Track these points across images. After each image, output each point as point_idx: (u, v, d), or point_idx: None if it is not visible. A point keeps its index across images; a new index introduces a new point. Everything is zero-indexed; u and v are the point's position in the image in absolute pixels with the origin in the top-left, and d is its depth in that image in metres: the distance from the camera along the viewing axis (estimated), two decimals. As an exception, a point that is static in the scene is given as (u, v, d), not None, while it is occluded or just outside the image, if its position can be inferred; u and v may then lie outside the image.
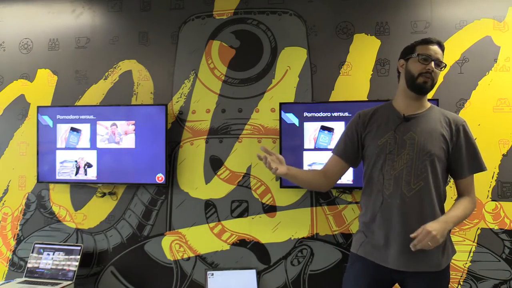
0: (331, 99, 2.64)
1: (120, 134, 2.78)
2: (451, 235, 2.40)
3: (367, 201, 1.77)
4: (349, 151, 1.82)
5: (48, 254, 2.79)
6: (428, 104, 1.78)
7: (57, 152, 2.85)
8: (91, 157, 2.80)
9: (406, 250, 1.63)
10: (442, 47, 1.73)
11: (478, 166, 1.73)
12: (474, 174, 1.75)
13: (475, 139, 1.78)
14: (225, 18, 2.80)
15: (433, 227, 1.55)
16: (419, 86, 1.69)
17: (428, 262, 1.66)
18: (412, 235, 1.56)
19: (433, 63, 1.68)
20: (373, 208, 1.73)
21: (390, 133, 1.71)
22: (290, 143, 2.56)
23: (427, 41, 1.72)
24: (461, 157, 1.71)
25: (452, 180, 1.81)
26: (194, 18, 2.84)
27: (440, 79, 2.54)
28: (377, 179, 1.72)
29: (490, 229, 2.48)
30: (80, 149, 2.82)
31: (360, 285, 1.74)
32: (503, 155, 2.48)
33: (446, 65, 1.75)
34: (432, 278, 1.68)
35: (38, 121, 2.88)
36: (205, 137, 2.79)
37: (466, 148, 1.72)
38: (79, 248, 2.76)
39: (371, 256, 1.72)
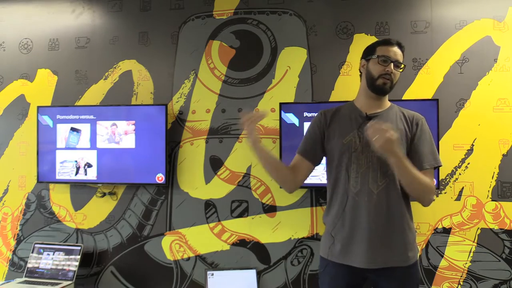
0: (331, 99, 2.64)
1: (120, 134, 2.78)
2: (451, 236, 2.41)
3: (333, 200, 1.77)
4: (311, 150, 1.83)
5: (48, 254, 2.79)
6: (388, 103, 1.81)
7: (57, 152, 2.85)
8: (91, 157, 2.80)
9: (373, 247, 1.66)
10: (402, 48, 1.76)
11: (435, 161, 1.75)
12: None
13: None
14: (225, 18, 2.80)
15: (396, 140, 1.56)
16: (378, 87, 1.72)
17: (394, 257, 1.67)
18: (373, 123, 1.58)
19: (392, 64, 1.70)
20: (339, 207, 1.73)
21: (354, 132, 1.74)
22: (290, 143, 2.56)
23: (387, 42, 1.74)
24: (419, 151, 1.72)
25: None
26: (194, 18, 2.84)
27: (440, 79, 2.54)
28: (343, 178, 1.73)
29: (490, 229, 2.48)
30: (80, 149, 2.82)
31: None
32: (503, 155, 2.48)
33: (405, 66, 1.77)
34: (402, 275, 1.69)
35: (38, 121, 2.88)
36: (205, 137, 2.79)
37: (424, 143, 1.73)
38: (79, 248, 2.76)
39: (340, 259, 1.72)
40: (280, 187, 2.62)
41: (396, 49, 1.73)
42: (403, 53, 1.76)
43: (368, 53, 1.77)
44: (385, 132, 1.54)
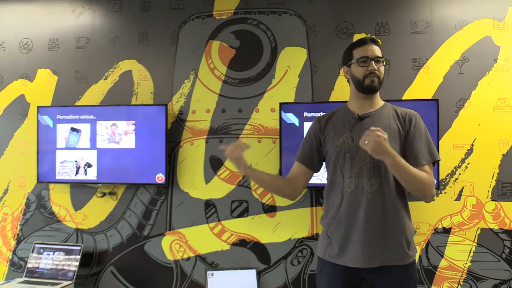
0: (331, 99, 2.64)
1: (120, 134, 2.78)
2: (451, 235, 2.42)
3: (329, 201, 1.79)
4: (308, 156, 1.86)
5: (48, 254, 2.79)
6: (381, 102, 1.81)
7: (57, 152, 2.85)
8: (91, 157, 2.80)
9: (368, 246, 1.66)
10: (377, 43, 1.76)
11: (432, 155, 1.73)
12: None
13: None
14: (225, 18, 2.80)
15: (386, 139, 1.57)
16: (367, 87, 1.73)
17: (390, 255, 1.67)
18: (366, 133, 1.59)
19: (373, 62, 1.71)
20: (335, 207, 1.74)
21: (347, 133, 1.75)
22: (290, 143, 2.56)
23: (361, 43, 1.75)
24: (414, 148, 1.72)
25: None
26: (194, 18, 2.84)
27: (440, 79, 2.54)
28: (338, 179, 1.75)
29: (490, 229, 2.48)
30: (80, 149, 2.82)
31: None
32: (503, 155, 2.48)
33: (386, 59, 1.77)
34: (400, 274, 1.69)
35: (38, 121, 2.88)
36: (205, 137, 2.79)
37: (418, 139, 1.72)
38: (79, 248, 2.76)
39: (337, 260, 1.73)
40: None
41: (372, 46, 1.73)
42: (380, 47, 1.75)
43: (347, 59, 1.79)
44: (374, 134, 1.55)
